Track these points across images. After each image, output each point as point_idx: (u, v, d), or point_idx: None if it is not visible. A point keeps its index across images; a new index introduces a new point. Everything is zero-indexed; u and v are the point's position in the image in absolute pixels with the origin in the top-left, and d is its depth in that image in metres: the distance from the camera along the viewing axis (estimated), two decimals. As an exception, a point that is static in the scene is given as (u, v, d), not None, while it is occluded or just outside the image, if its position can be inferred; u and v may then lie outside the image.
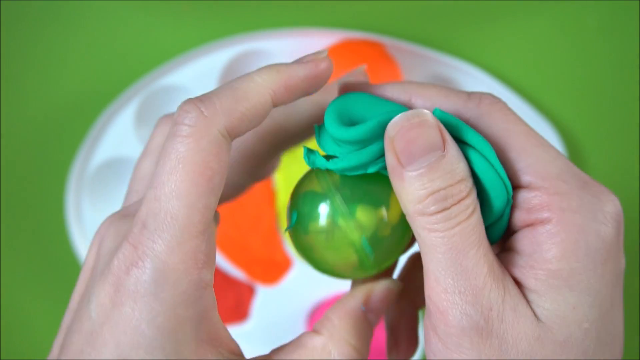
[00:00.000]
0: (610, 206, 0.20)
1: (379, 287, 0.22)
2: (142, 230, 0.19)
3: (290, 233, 0.23)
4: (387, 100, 0.22)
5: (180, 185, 0.19)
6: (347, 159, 0.21)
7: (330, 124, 0.21)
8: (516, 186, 0.20)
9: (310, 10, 0.45)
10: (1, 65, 0.45)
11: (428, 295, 0.20)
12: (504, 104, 0.22)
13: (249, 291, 0.46)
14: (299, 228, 0.22)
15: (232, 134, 0.20)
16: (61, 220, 0.45)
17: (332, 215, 0.21)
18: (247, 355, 0.21)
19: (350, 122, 0.21)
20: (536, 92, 0.46)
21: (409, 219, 0.20)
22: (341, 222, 0.21)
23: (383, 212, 0.21)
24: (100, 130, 0.45)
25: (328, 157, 0.21)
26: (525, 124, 0.21)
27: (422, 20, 0.46)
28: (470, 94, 0.22)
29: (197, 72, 0.45)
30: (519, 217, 0.20)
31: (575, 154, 0.46)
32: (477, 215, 0.19)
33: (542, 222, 0.20)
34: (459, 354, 0.19)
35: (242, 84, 0.20)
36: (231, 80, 0.21)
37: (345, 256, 0.21)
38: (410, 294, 0.26)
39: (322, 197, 0.21)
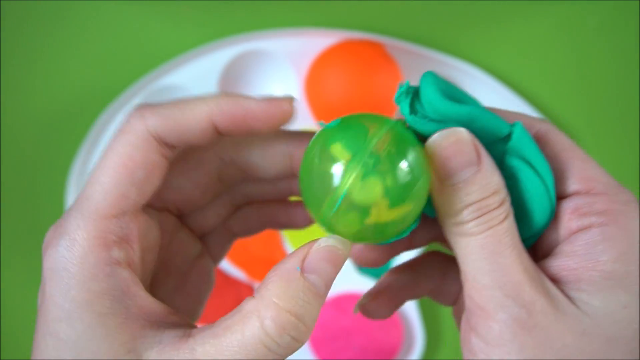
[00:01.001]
0: None
1: (316, 246, 0.20)
2: (66, 214, 0.21)
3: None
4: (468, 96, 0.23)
5: (103, 172, 0.21)
6: (427, 125, 0.21)
7: (432, 91, 0.21)
8: (576, 192, 0.22)
9: (310, 10, 0.45)
10: (2, 65, 0.45)
11: (468, 294, 0.20)
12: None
13: (249, 291, 0.46)
14: (322, 142, 0.20)
15: (166, 139, 0.21)
16: (61, 220, 0.45)
17: (351, 161, 0.19)
18: None
19: (446, 95, 0.21)
20: (536, 92, 0.46)
21: (444, 228, 0.21)
22: (348, 174, 0.19)
23: (378, 206, 0.20)
24: (100, 130, 0.45)
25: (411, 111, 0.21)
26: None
27: (422, 20, 0.46)
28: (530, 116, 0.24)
29: (197, 72, 0.45)
30: (574, 223, 0.21)
31: (576, 154, 0.46)
32: (510, 220, 0.20)
33: (600, 224, 0.20)
34: (500, 349, 0.19)
35: (190, 101, 0.22)
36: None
37: (318, 195, 0.20)
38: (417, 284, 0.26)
39: (362, 138, 0.20)
